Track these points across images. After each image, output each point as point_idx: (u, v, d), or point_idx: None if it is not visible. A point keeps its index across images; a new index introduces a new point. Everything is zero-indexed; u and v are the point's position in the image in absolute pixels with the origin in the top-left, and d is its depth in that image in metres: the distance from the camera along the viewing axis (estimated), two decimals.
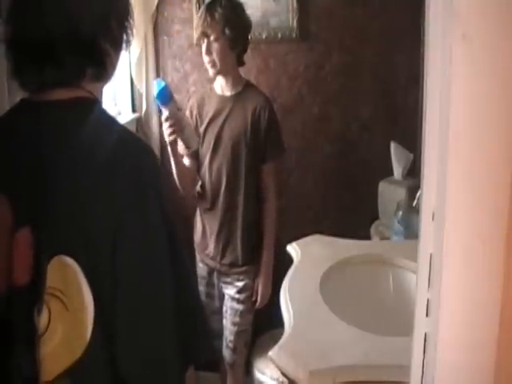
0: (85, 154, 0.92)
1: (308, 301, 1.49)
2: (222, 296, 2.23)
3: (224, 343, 2.21)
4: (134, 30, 1.04)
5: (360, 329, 1.33)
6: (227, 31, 1.98)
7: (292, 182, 2.58)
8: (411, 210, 2.04)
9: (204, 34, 2.00)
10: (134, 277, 0.92)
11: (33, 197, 0.92)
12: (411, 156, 2.32)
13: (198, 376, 2.41)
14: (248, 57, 2.17)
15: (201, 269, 2.24)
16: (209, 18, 1.98)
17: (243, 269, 2.15)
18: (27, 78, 0.97)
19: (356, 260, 1.72)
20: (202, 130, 2.10)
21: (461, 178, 0.68)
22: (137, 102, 2.59)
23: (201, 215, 2.21)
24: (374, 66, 2.44)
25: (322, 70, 2.46)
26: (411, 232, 2.01)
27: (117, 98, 2.59)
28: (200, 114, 2.13)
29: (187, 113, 2.13)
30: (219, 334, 2.21)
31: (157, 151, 2.55)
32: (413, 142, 2.05)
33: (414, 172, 2.31)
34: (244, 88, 2.11)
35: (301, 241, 1.83)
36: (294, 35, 2.42)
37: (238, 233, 2.12)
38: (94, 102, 0.99)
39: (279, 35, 2.43)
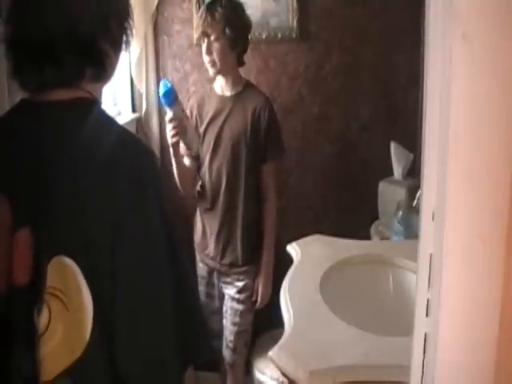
0: (84, 154, 0.92)
1: (308, 301, 1.49)
2: (222, 296, 2.23)
3: (224, 343, 2.21)
4: (134, 31, 1.04)
5: (360, 329, 1.33)
6: (228, 31, 1.98)
7: (292, 182, 2.58)
8: (411, 210, 2.04)
9: (204, 34, 2.00)
10: (133, 277, 0.92)
11: (32, 197, 0.92)
12: (411, 156, 2.32)
13: (198, 376, 2.40)
14: (248, 57, 2.17)
15: (201, 269, 2.24)
16: (209, 18, 1.98)
17: (243, 269, 2.15)
18: (27, 78, 0.97)
19: (356, 260, 1.72)
20: (201, 130, 2.10)
21: (461, 178, 0.68)
22: (137, 102, 2.59)
23: (201, 215, 2.21)
24: (374, 66, 2.44)
25: (321, 70, 2.46)
26: (411, 232, 2.01)
27: (117, 98, 2.59)
28: (200, 114, 2.13)
29: (187, 113, 2.13)
30: (219, 334, 2.21)
31: (157, 151, 2.55)
32: (413, 142, 2.05)
33: (414, 172, 2.31)
34: (244, 88, 2.11)
35: (301, 241, 1.83)
36: (294, 35, 2.42)
37: (238, 233, 2.11)
38: (94, 102, 0.99)
39: (279, 35, 2.43)
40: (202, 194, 2.16)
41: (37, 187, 0.92)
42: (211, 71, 2.05)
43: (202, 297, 2.25)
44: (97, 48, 0.96)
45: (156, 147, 2.56)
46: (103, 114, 1.00)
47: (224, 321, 2.21)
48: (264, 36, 2.43)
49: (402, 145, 2.36)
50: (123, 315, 0.91)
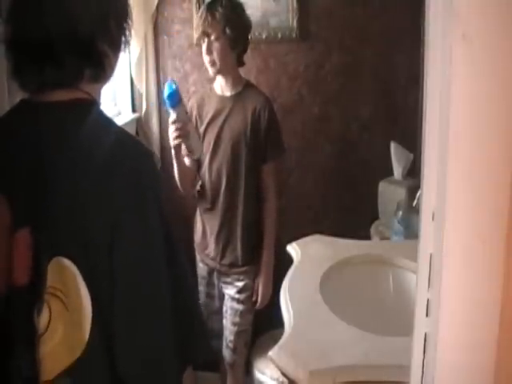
0: (84, 155, 0.92)
1: (308, 301, 1.49)
2: (222, 296, 2.23)
3: (224, 343, 2.21)
4: (133, 31, 1.04)
5: (360, 329, 1.33)
6: (228, 31, 1.98)
7: (292, 182, 2.58)
8: (411, 210, 2.04)
9: (205, 34, 2.00)
10: (131, 277, 0.92)
11: (32, 197, 0.92)
12: (411, 156, 2.32)
13: (198, 376, 2.40)
14: (248, 57, 2.17)
15: (201, 269, 2.24)
16: (210, 18, 1.98)
17: (243, 269, 2.15)
18: (26, 78, 0.97)
19: (356, 260, 1.72)
20: (201, 130, 2.10)
21: (461, 178, 0.68)
22: (137, 102, 2.59)
23: (201, 215, 2.21)
24: (374, 66, 2.44)
25: (322, 70, 2.46)
26: (411, 232, 2.01)
27: (117, 98, 2.59)
28: (200, 114, 2.13)
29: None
30: (219, 334, 2.22)
31: (157, 151, 2.55)
32: (413, 142, 2.05)
33: (414, 172, 2.31)
34: (244, 88, 2.11)
35: (301, 241, 1.83)
36: (294, 35, 2.42)
37: (238, 233, 2.11)
38: (93, 103, 0.99)
39: (279, 35, 2.43)
40: (202, 193, 2.16)
41: (36, 188, 0.92)
42: (211, 71, 2.05)
43: (202, 297, 2.25)
44: (95, 48, 0.96)
45: (156, 147, 2.56)
46: (102, 115, 1.01)
47: (224, 321, 2.21)
48: (264, 36, 2.43)
49: (402, 145, 2.36)
50: (121, 315, 0.91)
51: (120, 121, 2.42)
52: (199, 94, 2.22)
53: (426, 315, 0.75)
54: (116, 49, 1.02)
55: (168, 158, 2.05)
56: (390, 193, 2.32)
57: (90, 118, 0.95)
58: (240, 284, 2.16)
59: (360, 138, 2.51)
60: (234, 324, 2.17)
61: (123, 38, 1.02)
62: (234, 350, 2.19)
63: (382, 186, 2.35)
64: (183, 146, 1.94)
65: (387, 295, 1.65)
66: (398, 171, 2.35)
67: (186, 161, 2.11)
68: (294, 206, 2.56)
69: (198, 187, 2.16)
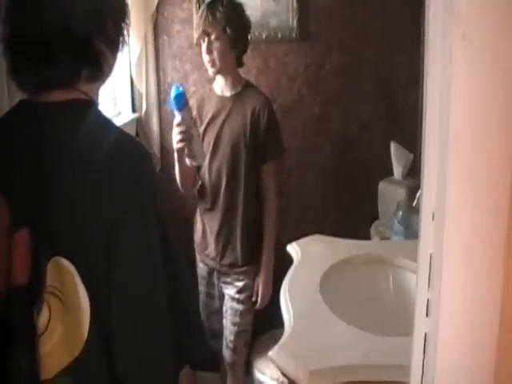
0: (82, 155, 0.92)
1: (308, 301, 1.49)
2: (222, 296, 2.23)
3: (224, 343, 2.21)
4: (133, 30, 1.05)
5: (360, 329, 1.33)
6: (228, 30, 1.98)
7: (292, 182, 2.58)
8: (411, 210, 2.04)
9: (205, 33, 2.00)
10: (127, 277, 0.93)
11: (31, 198, 0.92)
12: (411, 156, 2.32)
13: (198, 376, 2.41)
14: (248, 57, 2.17)
15: (201, 269, 2.24)
16: (210, 17, 1.98)
17: (243, 269, 2.15)
18: (24, 77, 0.97)
19: (356, 260, 1.72)
20: (201, 130, 2.10)
21: (461, 178, 0.68)
22: (137, 102, 2.59)
23: (201, 215, 2.21)
24: (374, 65, 2.44)
25: (322, 70, 2.46)
26: (411, 232, 2.01)
27: (117, 98, 2.58)
28: (200, 114, 2.13)
29: None
30: (219, 334, 2.22)
31: (157, 151, 2.55)
32: (413, 142, 2.05)
33: (414, 172, 2.31)
34: (244, 88, 2.11)
35: (301, 241, 1.83)
36: (294, 35, 2.42)
37: (238, 233, 2.11)
38: (90, 103, 0.99)
39: (279, 35, 2.43)
40: (201, 193, 2.16)
41: (35, 188, 0.92)
42: (211, 71, 2.05)
43: (202, 297, 2.25)
44: (92, 47, 0.96)
45: (156, 147, 2.56)
46: (100, 115, 1.00)
47: (224, 321, 2.21)
48: (264, 36, 2.43)
49: (402, 145, 2.36)
50: (118, 315, 0.92)
51: (120, 121, 2.42)
52: (199, 94, 2.22)
53: (426, 315, 0.75)
54: (114, 48, 1.02)
55: (168, 159, 2.05)
56: (389, 193, 2.32)
57: (88, 119, 0.95)
58: (240, 284, 2.15)
59: (360, 138, 2.51)
60: (234, 324, 2.17)
61: (121, 38, 1.02)
62: (234, 350, 2.19)
63: (382, 186, 2.35)
64: (186, 151, 1.94)
65: (387, 295, 1.65)
66: (397, 171, 2.35)
67: (186, 160, 2.11)
68: (293, 206, 2.56)
69: (197, 187, 2.16)
